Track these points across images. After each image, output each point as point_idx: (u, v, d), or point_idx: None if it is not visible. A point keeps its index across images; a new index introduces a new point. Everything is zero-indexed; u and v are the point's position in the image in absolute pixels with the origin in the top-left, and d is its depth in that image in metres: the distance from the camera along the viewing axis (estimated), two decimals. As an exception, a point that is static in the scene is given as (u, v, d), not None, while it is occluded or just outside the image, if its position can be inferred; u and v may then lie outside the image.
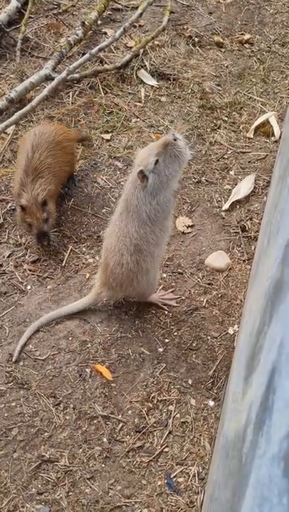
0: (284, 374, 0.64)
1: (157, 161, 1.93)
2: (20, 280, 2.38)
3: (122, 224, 2.05)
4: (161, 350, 2.17)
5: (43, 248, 2.44)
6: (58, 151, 2.48)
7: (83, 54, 3.27)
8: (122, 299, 2.29)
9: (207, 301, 2.33)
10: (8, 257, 2.45)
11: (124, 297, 2.26)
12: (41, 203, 2.34)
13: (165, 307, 2.29)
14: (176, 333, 2.22)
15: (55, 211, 2.46)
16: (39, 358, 2.12)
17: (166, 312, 2.28)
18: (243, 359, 1.33)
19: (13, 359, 2.09)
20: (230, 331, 2.24)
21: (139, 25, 3.61)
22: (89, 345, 2.17)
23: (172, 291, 2.35)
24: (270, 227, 1.59)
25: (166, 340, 2.20)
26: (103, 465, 1.86)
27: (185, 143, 1.97)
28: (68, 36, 3.37)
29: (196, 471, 1.85)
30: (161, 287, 2.35)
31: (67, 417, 1.96)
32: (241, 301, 2.32)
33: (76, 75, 3.15)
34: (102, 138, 2.98)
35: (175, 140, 1.95)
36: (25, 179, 2.36)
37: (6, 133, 2.87)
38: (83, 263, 2.45)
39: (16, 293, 2.33)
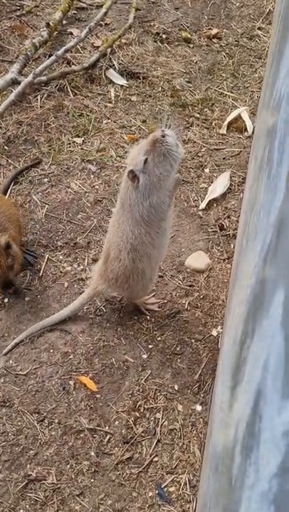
0: (269, 401, 0.61)
1: (146, 160, 1.81)
2: (-3, 293, 2.31)
3: (120, 220, 1.98)
4: (145, 356, 2.13)
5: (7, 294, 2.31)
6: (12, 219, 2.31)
7: (49, 56, 3.20)
8: (103, 306, 2.25)
9: (189, 303, 2.30)
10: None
11: (115, 295, 2.23)
12: (4, 246, 2.11)
13: (147, 312, 2.25)
14: (159, 338, 2.19)
15: (20, 254, 2.26)
16: (20, 373, 2.06)
17: (148, 317, 2.25)
18: (228, 367, 1.31)
19: (4, 352, 2.07)
20: (214, 332, 2.21)
21: (105, 24, 3.54)
22: (71, 356, 2.12)
23: (154, 295, 2.31)
24: (248, 228, 1.57)
25: (150, 346, 2.16)
26: (92, 480, 1.81)
27: (175, 139, 1.83)
28: (33, 38, 3.29)
29: (187, 478, 1.82)
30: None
31: (53, 433, 1.91)
32: (223, 301, 2.30)
33: (43, 78, 3.07)
34: (74, 142, 2.91)
35: (163, 137, 1.81)
36: None
37: (-27, 141, 2.79)
38: (61, 272, 2.39)
39: (-8, 307, 2.26)
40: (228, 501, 0.83)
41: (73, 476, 1.82)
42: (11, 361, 2.10)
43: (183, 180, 2.76)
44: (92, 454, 1.87)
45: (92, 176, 2.76)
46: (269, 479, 0.55)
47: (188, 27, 3.61)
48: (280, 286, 0.68)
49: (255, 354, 0.79)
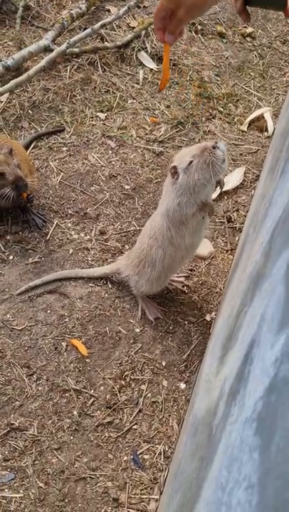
0: (262, 343, 0.66)
1: (191, 162, 1.86)
2: (3, 250, 2.36)
3: (157, 207, 2.06)
4: (138, 330, 2.19)
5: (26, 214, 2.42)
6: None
7: (84, 29, 3.23)
8: (105, 278, 2.30)
9: (188, 287, 2.36)
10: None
11: (125, 280, 2.24)
12: (8, 151, 2.24)
13: (151, 317, 2.21)
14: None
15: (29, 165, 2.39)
16: (16, 327, 2.12)
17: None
18: (220, 341, 1.36)
19: (17, 292, 2.19)
20: (208, 317, 2.27)
21: (144, 6, 3.57)
22: (67, 319, 2.17)
23: (158, 303, 2.28)
24: (257, 216, 1.62)
25: (144, 322, 2.22)
26: (71, 437, 1.88)
27: (224, 155, 1.86)
28: (71, 9, 3.32)
29: (162, 449, 1.88)
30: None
31: (40, 388, 1.97)
32: (221, 289, 2.35)
33: (76, 50, 3.11)
34: (98, 116, 2.95)
35: (214, 148, 1.85)
36: None
37: (-1, 100, 2.83)
38: (68, 238, 2.44)
39: (-3, 262, 2.32)
40: (206, 450, 0.88)
41: (54, 431, 1.88)
42: (8, 315, 2.15)
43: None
44: (75, 413, 1.93)
45: (110, 152, 2.80)
46: (254, 404, 0.60)
47: (224, 22, 3.64)
48: (286, 246, 0.73)
49: (252, 313, 0.84)
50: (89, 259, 2.38)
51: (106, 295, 2.28)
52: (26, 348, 2.07)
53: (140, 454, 1.87)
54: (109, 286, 2.30)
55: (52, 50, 3.00)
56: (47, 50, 3.03)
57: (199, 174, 1.86)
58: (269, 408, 0.54)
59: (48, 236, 2.43)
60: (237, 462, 0.59)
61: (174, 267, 2.14)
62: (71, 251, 2.40)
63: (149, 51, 3.29)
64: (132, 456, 1.85)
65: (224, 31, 3.58)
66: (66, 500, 1.74)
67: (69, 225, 2.50)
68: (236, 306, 1.21)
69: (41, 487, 1.76)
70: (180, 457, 1.42)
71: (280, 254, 0.75)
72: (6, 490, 1.74)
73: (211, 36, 3.55)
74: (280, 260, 0.74)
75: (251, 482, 0.51)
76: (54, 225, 2.47)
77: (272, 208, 1.18)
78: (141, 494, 1.77)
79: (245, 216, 2.65)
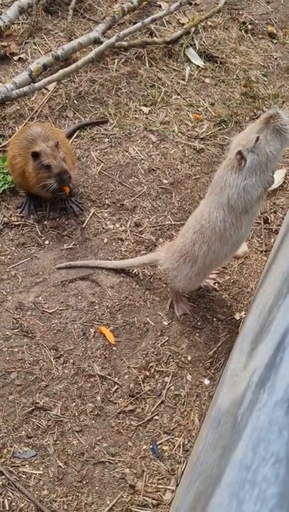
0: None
1: (258, 138, 1.80)
2: (40, 234, 2.41)
3: (203, 202, 2.02)
4: (166, 323, 2.20)
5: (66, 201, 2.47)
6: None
7: (134, 23, 3.26)
8: (138, 270, 2.32)
9: (219, 284, 2.35)
10: (29, 213, 2.48)
11: (158, 273, 2.24)
12: (55, 144, 2.29)
13: (178, 313, 2.21)
14: (183, 310, 2.25)
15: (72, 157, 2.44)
16: (47, 310, 2.16)
17: (176, 288, 2.31)
18: (249, 337, 1.36)
19: (57, 266, 2.27)
20: (237, 316, 2.26)
21: (195, 4, 3.57)
22: (97, 306, 2.20)
23: (188, 299, 2.27)
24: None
25: (172, 315, 2.23)
26: (93, 421, 1.90)
27: (287, 117, 1.81)
28: (123, 3, 3.35)
29: (181, 442, 1.89)
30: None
31: (66, 371, 2.01)
32: (252, 289, 2.34)
33: (124, 43, 3.13)
34: (141, 110, 2.97)
35: (277, 112, 1.82)
36: (34, 137, 2.34)
37: (46, 89, 2.88)
38: (103, 228, 2.48)
39: (33, 245, 2.37)
40: (230, 437, 0.88)
41: (76, 414, 1.91)
42: (40, 298, 2.20)
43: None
44: (98, 398, 1.96)
45: (151, 146, 2.82)
46: (285, 388, 0.60)
47: (275, 22, 3.60)
48: None
49: (286, 306, 0.83)
50: (122, 249, 2.41)
51: (137, 286, 2.29)
52: (56, 331, 2.11)
53: (159, 444, 1.88)
54: (141, 277, 2.32)
55: (101, 43, 3.04)
56: (96, 42, 3.07)
57: (270, 146, 1.80)
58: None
59: (84, 224, 2.47)
60: (264, 442, 0.59)
61: (216, 264, 2.09)
62: (106, 240, 2.43)
63: (198, 48, 3.29)
64: (151, 446, 1.87)
65: (275, 32, 3.53)
66: (84, 482, 1.77)
67: (105, 214, 2.53)
68: (269, 302, 1.20)
69: (60, 466, 1.79)
70: (200, 450, 1.43)
71: None
72: (26, 466, 1.79)
73: (261, 36, 3.51)
74: None
75: (279, 457, 0.52)
76: (91, 214, 2.51)
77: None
78: (157, 484, 1.78)
79: (282, 218, 2.61)
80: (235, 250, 2.09)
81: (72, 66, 2.89)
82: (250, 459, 0.63)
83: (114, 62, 3.13)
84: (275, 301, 1.08)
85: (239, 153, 1.82)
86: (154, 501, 1.74)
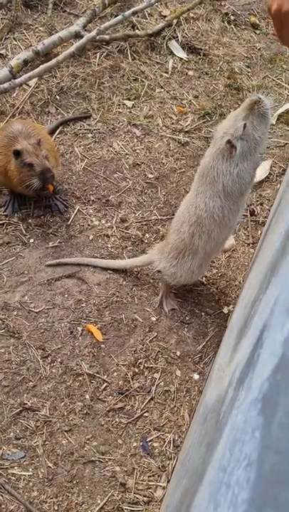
0: (273, 326, 0.64)
1: (245, 125, 1.84)
2: (24, 233, 2.38)
3: (193, 194, 2.01)
4: (154, 319, 2.18)
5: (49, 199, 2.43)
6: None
7: (116, 16, 3.22)
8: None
9: (206, 278, 2.34)
10: (13, 212, 2.44)
11: (160, 272, 2.18)
12: (37, 141, 2.25)
13: (166, 308, 2.20)
14: (171, 305, 2.23)
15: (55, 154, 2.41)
16: (33, 310, 2.14)
17: (162, 284, 2.29)
18: (235, 330, 1.34)
19: (47, 263, 2.24)
20: (225, 310, 2.25)
21: (177, -5, 3.53)
22: (84, 304, 2.18)
23: (175, 294, 2.25)
24: (280, 206, 1.58)
25: (160, 311, 2.21)
26: (82, 420, 1.89)
27: (269, 101, 1.87)
28: (103, -4, 3.30)
29: (172, 438, 1.88)
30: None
31: (54, 371, 1.99)
32: (240, 282, 2.33)
33: (106, 37, 3.09)
34: (124, 104, 2.94)
35: (260, 98, 1.85)
36: (15, 134, 2.30)
37: (27, 85, 2.84)
38: (88, 224, 2.45)
39: (18, 244, 2.34)
40: (212, 435, 0.87)
41: (65, 413, 1.89)
42: (26, 297, 2.18)
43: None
44: (87, 397, 1.94)
45: (135, 140, 2.79)
46: (260, 386, 0.59)
47: (258, 13, 3.57)
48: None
49: (267, 300, 0.82)
50: (109, 246, 2.38)
51: (124, 282, 2.27)
52: (42, 331, 2.09)
53: (150, 441, 1.87)
54: (128, 273, 2.30)
55: (82, 37, 3.00)
56: (77, 36, 3.03)
57: (258, 131, 1.85)
58: (274, 387, 0.52)
59: (69, 221, 2.44)
60: (239, 443, 0.57)
61: (215, 250, 2.11)
62: (91, 237, 2.41)
63: (180, 40, 3.26)
64: (141, 443, 1.85)
65: (258, 22, 3.51)
66: (74, 482, 1.75)
67: (90, 211, 2.50)
68: (253, 296, 1.19)
69: (50, 467, 1.78)
70: (188, 446, 1.42)
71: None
72: (15, 467, 1.77)
73: (243, 27, 3.49)
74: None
75: (251, 460, 0.50)
76: (76, 211, 2.48)
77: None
78: (148, 481, 1.77)
79: (269, 210, 2.60)
80: (232, 233, 2.14)
81: (53, 61, 2.85)
82: (227, 459, 0.61)
83: (96, 56, 3.09)
84: (257, 295, 1.07)
85: (229, 142, 1.85)
86: (145, 498, 1.73)
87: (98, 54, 3.10)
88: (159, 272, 2.18)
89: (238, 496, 0.49)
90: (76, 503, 1.71)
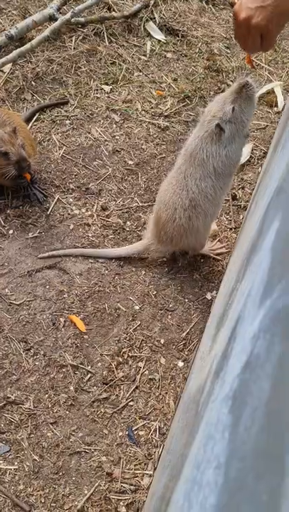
0: (246, 319, 0.63)
1: (234, 108, 1.87)
2: (3, 224, 2.33)
3: (181, 177, 2.02)
4: (137, 308, 2.17)
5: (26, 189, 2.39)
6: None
7: (91, -2, 3.13)
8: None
9: (189, 264, 2.32)
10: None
11: (133, 258, 2.27)
12: (12, 130, 2.21)
13: (219, 257, 2.31)
14: (154, 293, 2.22)
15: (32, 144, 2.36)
16: (14, 302, 2.11)
17: (144, 272, 2.27)
18: (215, 319, 1.33)
19: (39, 256, 2.21)
20: (208, 296, 2.24)
21: (153, -25, 3.44)
22: (66, 295, 2.15)
23: (218, 240, 2.37)
24: (258, 191, 1.57)
25: (144, 299, 2.19)
26: (67, 412, 1.88)
27: (255, 83, 1.91)
28: (77, -23, 3.21)
29: (157, 426, 1.88)
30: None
31: (37, 363, 1.97)
32: (223, 268, 2.31)
33: (81, 19, 3.01)
34: (102, 89, 2.88)
35: (248, 81, 1.88)
36: None
37: (2, 71, 2.76)
38: (69, 213, 2.41)
39: (-3, 236, 2.29)
40: (192, 428, 0.86)
41: (50, 406, 1.88)
42: (6, 290, 2.14)
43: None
44: (71, 388, 1.92)
45: (114, 126, 2.74)
46: (231, 382, 0.58)
47: (236, -8, 3.50)
48: (277, 218, 0.69)
49: (242, 290, 0.80)
50: (90, 235, 2.35)
51: (106, 272, 2.25)
52: (24, 323, 2.06)
53: (135, 430, 1.87)
54: (109, 263, 2.27)
55: (57, 20, 2.92)
56: (52, 19, 2.94)
57: (246, 114, 1.89)
58: (242, 386, 0.51)
59: (49, 211, 2.40)
60: (211, 441, 0.56)
61: (214, 219, 2.22)
62: (72, 226, 2.37)
63: (158, 21, 3.19)
64: (127, 432, 1.85)
65: (236, 1, 3.44)
66: (60, 474, 1.75)
67: (70, 200, 2.46)
68: (232, 283, 1.18)
69: (36, 460, 1.77)
70: (172, 434, 1.41)
71: (270, 227, 0.71)
72: (1, 461, 1.76)
73: (222, 7, 3.42)
74: (269, 232, 0.70)
75: (220, 462, 0.49)
76: (55, 200, 2.44)
77: (271, 182, 1.13)
78: (135, 469, 1.77)
79: (250, 194, 2.58)
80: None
81: (28, 45, 2.77)
82: (201, 457, 0.60)
83: (71, 40, 3.01)
84: (235, 283, 1.06)
85: (218, 125, 1.89)
86: (132, 487, 1.73)
87: (74, 37, 3.02)
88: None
89: (207, 499, 0.48)
90: (63, 495, 1.71)
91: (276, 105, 2.97)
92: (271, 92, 3.00)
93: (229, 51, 3.19)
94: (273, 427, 0.39)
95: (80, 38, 3.03)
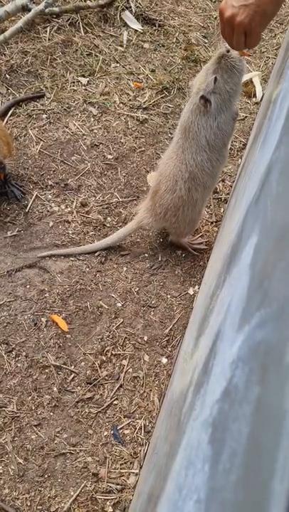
0: (225, 338, 0.62)
1: (216, 78, 1.86)
2: (-20, 223, 2.29)
3: (179, 151, 2.05)
4: (119, 305, 2.15)
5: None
6: None
7: (65, -14, 3.05)
8: (86, 254, 2.25)
9: (171, 259, 2.31)
10: None
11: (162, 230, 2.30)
12: None
13: (196, 252, 2.30)
14: (136, 289, 2.20)
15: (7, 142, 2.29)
16: (-6, 303, 2.07)
17: (126, 268, 2.25)
18: (197, 320, 1.32)
19: (38, 255, 2.19)
20: (191, 291, 2.23)
21: None
22: (47, 294, 2.13)
23: (200, 236, 2.37)
24: (238, 188, 1.55)
25: (126, 296, 2.18)
26: (51, 413, 1.86)
27: (238, 54, 1.86)
28: None
29: (142, 424, 1.88)
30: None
31: (19, 365, 1.95)
32: (205, 262, 2.31)
33: (56, 9, 2.94)
34: (79, 81, 2.82)
35: (228, 52, 1.85)
36: None
37: (-26, 64, 2.68)
38: (48, 211, 2.37)
39: (-26, 236, 2.25)
40: (175, 436, 0.86)
41: (33, 408, 1.86)
42: (-14, 291, 2.10)
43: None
44: (55, 389, 1.91)
45: (92, 119, 2.69)
46: (211, 406, 0.57)
47: (213, -21, 3.45)
48: (255, 231, 0.68)
49: (222, 300, 0.79)
50: (70, 232, 2.32)
51: (87, 269, 2.23)
52: (5, 325, 2.03)
53: (120, 429, 1.87)
54: (90, 259, 2.25)
55: (30, 10, 2.83)
56: (25, 9, 2.86)
57: (229, 83, 1.87)
58: (222, 417, 0.50)
59: (28, 208, 2.36)
60: (192, 468, 0.55)
61: (211, 191, 2.22)
62: (51, 224, 2.33)
63: (134, 11, 3.13)
64: (112, 432, 1.85)
65: (213, -11, 3.39)
66: (46, 476, 1.74)
67: (49, 196, 2.42)
68: (212, 287, 1.17)
69: (20, 463, 1.75)
70: (157, 435, 1.41)
71: (248, 239, 0.70)
72: (-15, 466, 1.74)
73: (199, -5, 3.37)
74: (247, 246, 0.69)
75: (200, 497, 0.48)
76: (33, 197, 2.39)
77: (250, 183, 1.11)
78: (121, 469, 1.78)
79: (231, 187, 2.58)
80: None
81: (0, 37, 2.69)
82: (182, 480, 0.59)
83: (46, 31, 2.94)
84: (215, 288, 1.05)
85: (202, 97, 1.89)
86: (118, 486, 1.74)
87: (48, 28, 2.94)
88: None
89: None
90: (49, 497, 1.70)
91: (254, 96, 2.95)
92: (249, 82, 2.98)
93: (207, 41, 3.15)
94: (251, 481, 0.38)
95: (55, 28, 2.95)
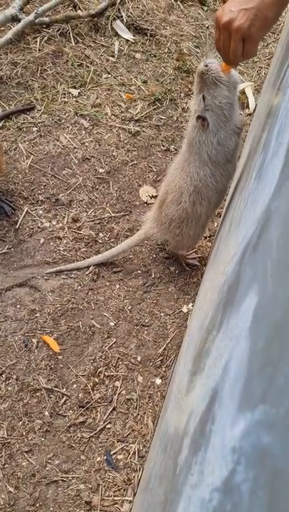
0: (224, 408, 0.58)
1: (204, 96, 1.81)
2: None
3: (185, 163, 2.02)
4: (112, 324, 2.12)
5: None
6: None
7: (55, -4, 3.00)
8: (78, 270, 2.20)
9: (164, 276, 2.27)
10: None
11: (163, 241, 2.30)
12: None
13: (188, 268, 2.29)
14: (129, 308, 2.17)
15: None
16: (-16, 324, 2.02)
17: (119, 286, 2.22)
18: (192, 350, 1.29)
19: (47, 271, 2.17)
20: (184, 309, 2.20)
21: None
22: (38, 314, 2.08)
23: (194, 251, 2.35)
24: (233, 212, 1.52)
25: (119, 315, 2.14)
26: (43, 439, 1.82)
27: (217, 64, 1.77)
28: (40, -27, 3.07)
29: (136, 448, 1.84)
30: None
31: (9, 388, 1.90)
32: (198, 279, 2.28)
33: (46, 19, 2.89)
34: (70, 93, 2.78)
35: (206, 66, 1.77)
36: None
37: None
38: (38, 227, 2.33)
39: None
40: (170, 489, 0.82)
41: (24, 433, 1.82)
42: (-25, 311, 2.05)
43: (176, 150, 2.68)
44: (46, 413, 1.87)
45: (83, 132, 2.65)
46: (211, 490, 0.53)
47: (205, -13, 3.43)
48: (253, 287, 0.65)
49: (218, 350, 0.76)
50: (61, 249, 2.28)
51: (79, 287, 2.18)
52: (-5, 346, 1.98)
53: (114, 454, 1.83)
54: (82, 277, 2.21)
55: (20, 20, 2.79)
56: (14, 19, 2.81)
57: (218, 97, 1.81)
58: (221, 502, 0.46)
59: (18, 224, 2.31)
60: None
61: (218, 207, 2.17)
62: (42, 240, 2.29)
63: (125, 20, 3.09)
64: (105, 457, 1.81)
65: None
66: (37, 505, 1.70)
67: (40, 212, 2.37)
68: (207, 320, 1.13)
69: (11, 492, 1.71)
70: (152, 467, 1.37)
71: (247, 294, 0.66)
72: (-26, 496, 1.69)
73: (190, 3, 3.34)
74: (246, 303, 0.65)
75: None
76: (24, 213, 2.35)
77: (247, 214, 1.08)
78: (114, 496, 1.74)
79: (224, 200, 2.54)
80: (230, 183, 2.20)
81: (-11, 49, 2.64)
82: None
83: (36, 42, 2.89)
84: (211, 324, 1.01)
85: (198, 117, 1.87)
86: (111, 515, 1.70)
87: (38, 39, 2.90)
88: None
89: None
90: (41, 527, 1.66)
91: (247, 107, 2.92)
92: (242, 92, 2.95)
93: (199, 50, 3.12)
94: None
95: (45, 38, 2.91)
